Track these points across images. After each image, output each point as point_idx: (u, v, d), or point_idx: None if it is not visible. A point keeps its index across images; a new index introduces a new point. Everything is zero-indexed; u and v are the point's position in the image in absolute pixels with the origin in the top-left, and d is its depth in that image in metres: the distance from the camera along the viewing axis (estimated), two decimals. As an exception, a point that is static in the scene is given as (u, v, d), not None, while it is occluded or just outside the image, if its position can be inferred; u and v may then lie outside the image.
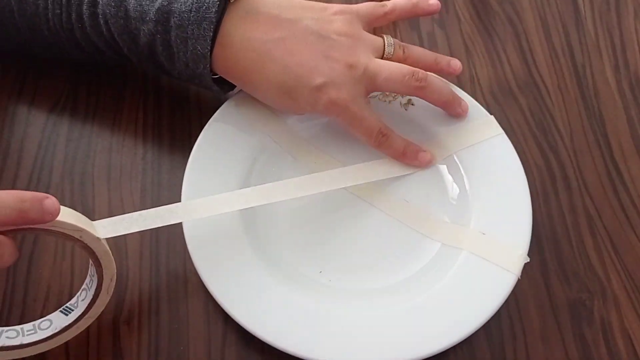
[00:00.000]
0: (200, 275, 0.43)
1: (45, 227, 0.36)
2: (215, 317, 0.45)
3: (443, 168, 0.50)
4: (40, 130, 0.52)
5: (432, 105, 0.50)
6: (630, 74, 0.58)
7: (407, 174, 0.50)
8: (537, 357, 0.45)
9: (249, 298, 0.43)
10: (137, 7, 0.45)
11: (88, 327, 0.44)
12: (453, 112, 0.50)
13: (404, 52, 0.50)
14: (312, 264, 0.46)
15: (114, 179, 0.50)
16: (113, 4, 0.46)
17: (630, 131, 0.55)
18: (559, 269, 0.48)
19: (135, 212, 0.42)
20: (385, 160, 0.50)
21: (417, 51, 0.51)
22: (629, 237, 0.50)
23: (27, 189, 0.49)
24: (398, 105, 0.52)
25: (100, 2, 0.47)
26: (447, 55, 0.52)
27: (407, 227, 0.48)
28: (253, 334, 0.42)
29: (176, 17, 0.45)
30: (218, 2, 0.44)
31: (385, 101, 0.52)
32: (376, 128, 0.47)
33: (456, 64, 0.51)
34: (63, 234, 0.37)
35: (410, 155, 0.49)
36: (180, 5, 0.45)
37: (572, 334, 0.46)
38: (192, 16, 0.44)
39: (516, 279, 0.44)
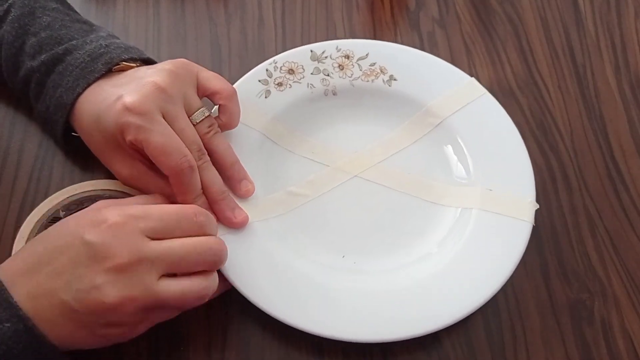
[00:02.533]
0: (229, 279, 0.43)
1: None
2: (216, 318, 0.45)
3: (437, 136, 0.52)
4: (40, 130, 0.52)
5: (416, 78, 0.52)
6: (630, 74, 0.58)
7: (405, 147, 0.51)
8: (538, 357, 0.45)
9: (277, 289, 0.44)
10: (35, 45, 0.47)
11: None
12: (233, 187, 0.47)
13: (209, 132, 0.46)
14: (334, 250, 0.47)
15: (113, 179, 0.50)
16: (14, 33, 0.48)
17: (631, 131, 0.55)
18: (560, 269, 0.48)
19: None
20: (386, 139, 0.52)
21: (221, 146, 0.47)
22: (630, 237, 0.50)
23: (26, 189, 0.49)
24: (381, 83, 0.53)
25: (4, 25, 0.48)
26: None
27: (416, 198, 0.49)
28: (285, 322, 0.42)
29: (63, 65, 0.46)
30: (104, 71, 0.46)
31: (367, 81, 0.53)
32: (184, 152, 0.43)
33: (247, 187, 0.47)
34: None
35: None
36: (74, 59, 0.46)
37: (573, 334, 0.46)
38: (76, 72, 0.46)
39: (531, 227, 0.46)
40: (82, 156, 0.50)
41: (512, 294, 0.47)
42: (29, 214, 0.47)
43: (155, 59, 0.50)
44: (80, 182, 0.49)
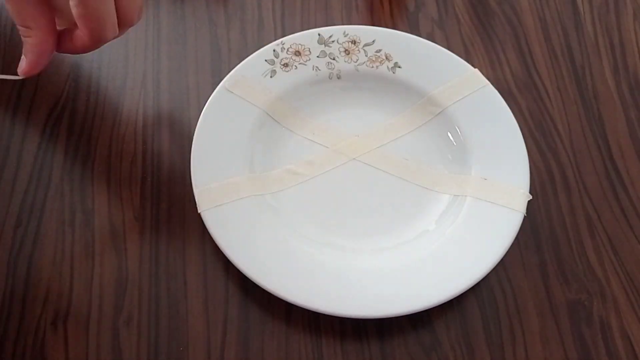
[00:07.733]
0: (224, 252, 0.45)
1: None
2: (215, 317, 0.45)
3: (437, 125, 0.52)
4: (39, 130, 0.52)
5: (420, 66, 0.53)
6: (629, 75, 0.58)
7: (405, 134, 0.52)
8: (536, 357, 0.45)
9: (272, 263, 0.45)
10: None
11: (88, 327, 0.44)
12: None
13: None
14: (329, 228, 0.48)
15: (113, 179, 0.50)
16: None
17: (630, 132, 0.55)
18: (558, 270, 0.48)
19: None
20: (386, 124, 0.53)
21: None
22: (629, 238, 0.50)
23: (26, 189, 0.49)
24: (385, 70, 0.54)
25: None
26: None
27: (411, 184, 0.50)
28: (280, 297, 0.43)
29: None
30: None
31: (372, 67, 0.54)
32: None
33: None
34: None
35: None
36: None
37: (572, 335, 0.46)
38: None
39: (522, 217, 0.47)
40: (82, 156, 0.51)
41: (510, 294, 0.47)
42: (28, 215, 0.47)
43: (155, 60, 0.50)
44: (81, 183, 0.49)
